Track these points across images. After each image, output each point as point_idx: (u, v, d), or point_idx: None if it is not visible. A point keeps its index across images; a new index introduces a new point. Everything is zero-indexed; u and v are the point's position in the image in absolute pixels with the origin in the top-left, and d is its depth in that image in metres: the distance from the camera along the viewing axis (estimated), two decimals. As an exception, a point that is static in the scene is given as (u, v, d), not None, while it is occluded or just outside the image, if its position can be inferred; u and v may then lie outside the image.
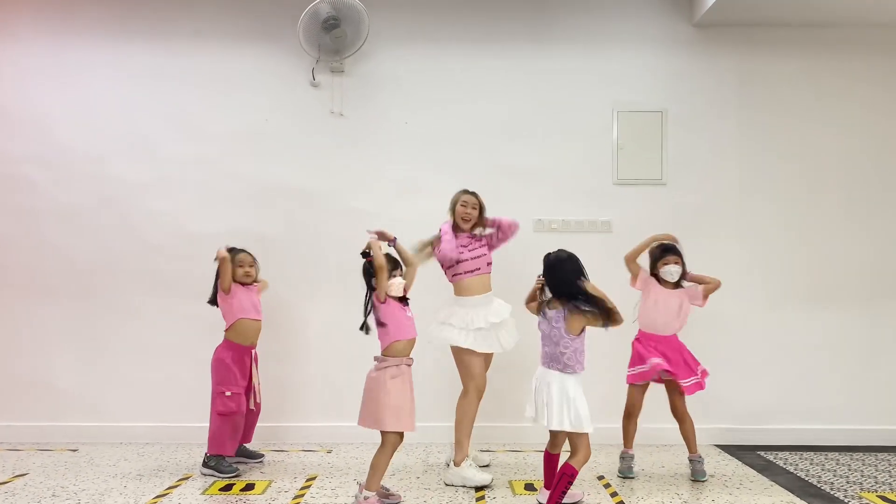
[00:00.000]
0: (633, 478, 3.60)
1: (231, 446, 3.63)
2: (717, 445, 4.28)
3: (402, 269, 3.16)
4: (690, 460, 3.62)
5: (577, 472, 2.95)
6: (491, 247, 3.68)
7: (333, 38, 4.18)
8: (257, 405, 3.78)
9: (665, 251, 3.56)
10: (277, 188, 4.36)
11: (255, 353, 3.80)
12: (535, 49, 4.41)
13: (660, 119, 4.39)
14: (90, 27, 4.40)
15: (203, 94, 4.39)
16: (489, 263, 3.65)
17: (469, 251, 3.58)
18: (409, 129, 4.39)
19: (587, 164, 4.38)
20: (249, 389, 3.71)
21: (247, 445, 3.87)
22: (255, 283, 3.81)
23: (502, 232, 3.66)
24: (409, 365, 3.09)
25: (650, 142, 4.37)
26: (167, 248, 4.33)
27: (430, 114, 4.38)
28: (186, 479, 3.54)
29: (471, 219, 3.62)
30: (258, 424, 3.90)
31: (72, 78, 4.39)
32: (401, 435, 3.06)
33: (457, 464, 3.45)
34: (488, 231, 3.68)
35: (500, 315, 3.55)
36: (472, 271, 3.57)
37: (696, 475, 3.58)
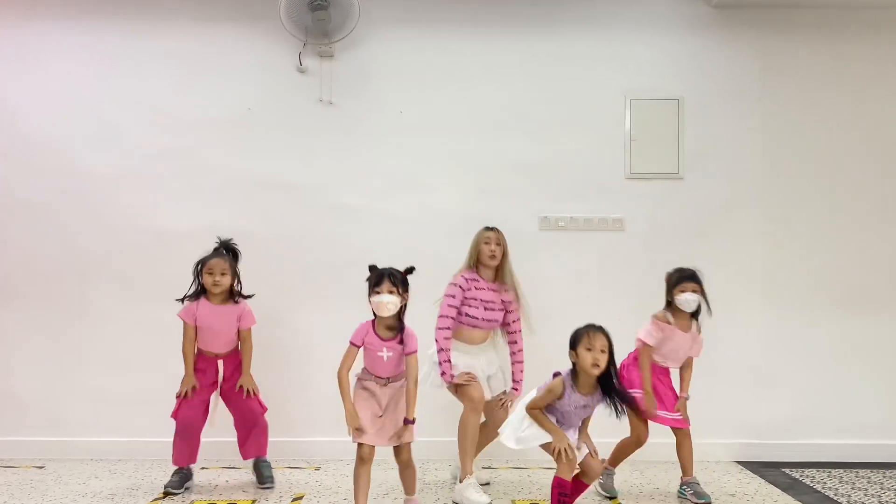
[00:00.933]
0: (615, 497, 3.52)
1: (177, 457, 3.51)
2: (738, 462, 4.19)
3: (401, 290, 2.98)
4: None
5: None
6: (503, 322, 3.63)
7: (316, 20, 4.08)
8: (239, 421, 3.62)
9: (684, 277, 3.41)
10: (261, 182, 4.26)
11: (238, 358, 3.64)
12: (540, 33, 4.33)
13: (676, 108, 4.30)
14: (53, 6, 4.28)
15: (179, 80, 4.27)
16: (496, 322, 3.60)
17: (485, 309, 3.51)
18: (404, 118, 4.30)
19: (597, 156, 4.29)
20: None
21: (261, 461, 3.71)
22: (238, 300, 3.58)
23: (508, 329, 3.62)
24: (382, 384, 3.03)
25: (666, 132, 4.28)
26: (140, 248, 4.22)
27: (427, 102, 4.29)
28: (162, 498, 3.43)
29: (496, 256, 3.53)
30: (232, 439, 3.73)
31: (33, 62, 4.26)
32: (366, 447, 2.98)
33: (460, 480, 3.43)
34: (507, 297, 3.57)
35: (492, 367, 3.56)
36: (474, 326, 3.54)
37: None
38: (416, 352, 3.02)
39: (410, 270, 3.03)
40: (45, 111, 4.24)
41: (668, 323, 3.41)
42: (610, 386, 2.84)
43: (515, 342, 3.61)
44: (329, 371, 3.92)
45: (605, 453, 3.71)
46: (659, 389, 3.44)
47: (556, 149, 4.29)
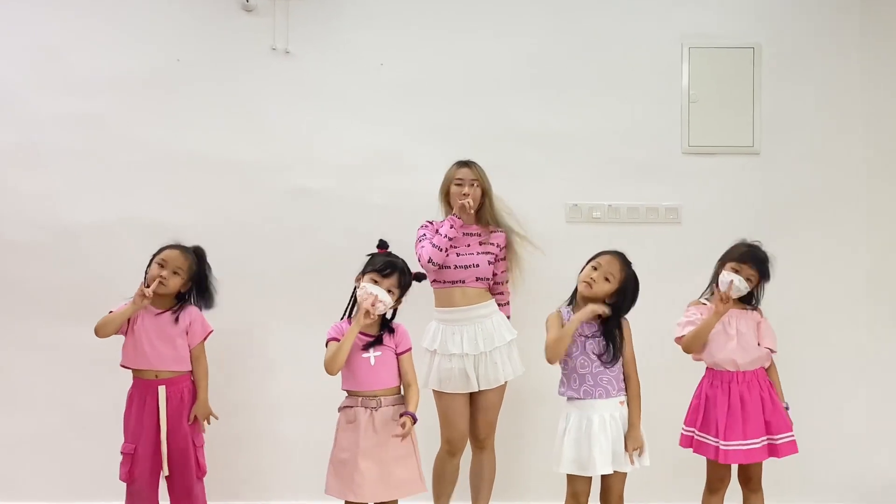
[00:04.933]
0: None
1: None
2: (834, 535, 3.86)
3: (400, 294, 2.98)
4: None
5: None
6: (491, 263, 3.52)
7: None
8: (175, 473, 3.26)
9: (743, 256, 3.21)
10: (194, 159, 4.00)
11: (187, 388, 3.39)
12: (567, -39, 4.03)
13: (750, 59, 4.03)
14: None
15: (85, 25, 4.00)
16: (480, 279, 3.47)
17: (457, 255, 3.44)
18: (385, 74, 4.05)
19: (644, 124, 4.03)
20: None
21: None
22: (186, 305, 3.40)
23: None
24: (372, 409, 2.93)
25: (736, 92, 4.03)
26: (34, 247, 3.96)
27: (415, 53, 4.05)
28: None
29: (473, 199, 3.47)
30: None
31: None
32: None
33: None
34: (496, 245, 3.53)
35: (482, 343, 3.41)
36: (454, 282, 3.46)
37: None
38: (410, 350, 3.05)
39: (420, 278, 3.11)
40: None
41: (705, 304, 3.26)
42: (614, 320, 3.01)
43: (501, 294, 3.58)
44: (288, 410, 3.96)
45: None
46: (733, 409, 3.12)
47: (589, 115, 4.05)
